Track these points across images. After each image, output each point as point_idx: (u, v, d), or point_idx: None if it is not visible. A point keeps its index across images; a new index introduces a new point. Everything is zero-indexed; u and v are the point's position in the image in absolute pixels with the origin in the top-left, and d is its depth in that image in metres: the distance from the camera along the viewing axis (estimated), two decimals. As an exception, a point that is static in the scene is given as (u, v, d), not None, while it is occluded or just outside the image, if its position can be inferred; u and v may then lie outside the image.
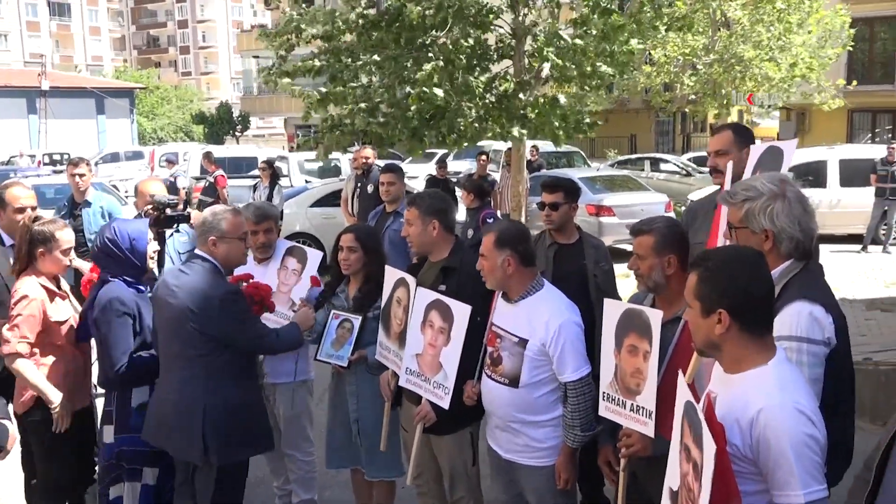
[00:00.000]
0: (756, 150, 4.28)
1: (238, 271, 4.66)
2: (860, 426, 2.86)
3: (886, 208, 14.07)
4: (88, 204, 7.23)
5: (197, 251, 3.74)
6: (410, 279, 3.83)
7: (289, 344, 3.93)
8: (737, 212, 2.76)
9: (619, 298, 3.90)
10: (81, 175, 7.23)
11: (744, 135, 3.94)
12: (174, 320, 3.57)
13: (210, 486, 3.71)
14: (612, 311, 3.08)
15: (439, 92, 9.16)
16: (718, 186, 3.88)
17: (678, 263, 3.05)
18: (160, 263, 4.83)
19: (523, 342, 3.39)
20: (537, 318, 3.38)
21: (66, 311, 4.10)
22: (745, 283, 2.20)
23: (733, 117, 25.25)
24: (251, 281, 4.15)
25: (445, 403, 3.59)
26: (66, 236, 4.11)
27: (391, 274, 3.98)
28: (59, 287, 4.16)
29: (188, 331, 3.53)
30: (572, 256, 4.46)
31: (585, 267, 4.42)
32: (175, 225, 5.04)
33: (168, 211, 4.81)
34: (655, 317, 2.89)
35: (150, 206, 4.75)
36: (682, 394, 2.12)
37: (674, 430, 2.18)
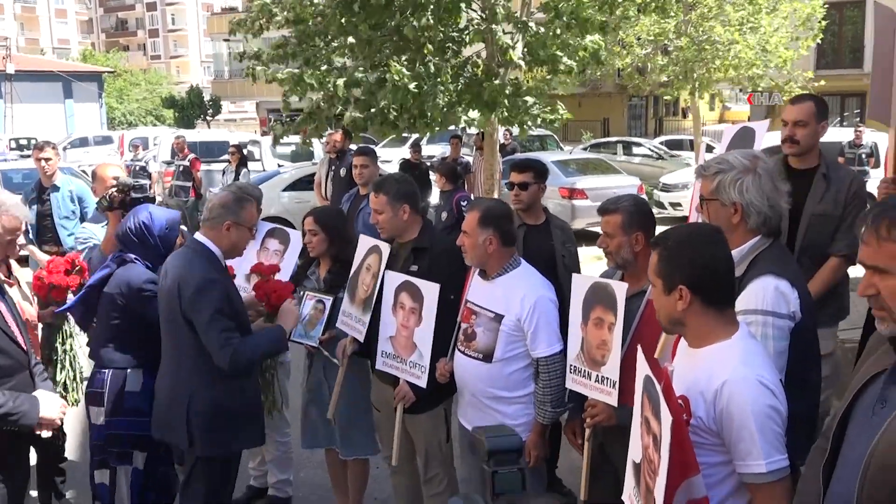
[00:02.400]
0: (730, 130, 4.38)
1: None
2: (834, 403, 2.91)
3: (854, 190, 14.26)
4: (56, 188, 7.15)
5: (198, 236, 3.61)
6: (384, 246, 3.86)
7: (269, 352, 3.76)
8: (708, 184, 2.82)
9: None
10: (48, 159, 7.14)
11: (823, 109, 4.00)
12: (164, 302, 3.55)
13: (201, 480, 3.64)
14: (579, 285, 3.16)
15: (411, 86, 9.13)
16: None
17: (645, 240, 3.13)
18: None
19: (499, 317, 3.45)
20: (514, 294, 3.44)
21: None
22: (705, 259, 2.25)
23: (706, 101, 25.42)
24: (270, 278, 4.04)
25: (423, 382, 3.64)
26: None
27: (365, 242, 4.00)
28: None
29: (177, 314, 3.48)
30: (540, 237, 4.51)
31: (553, 247, 4.48)
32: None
33: (133, 193, 4.77)
34: (620, 289, 2.97)
35: (114, 189, 4.70)
36: (641, 368, 2.18)
37: (635, 404, 2.23)
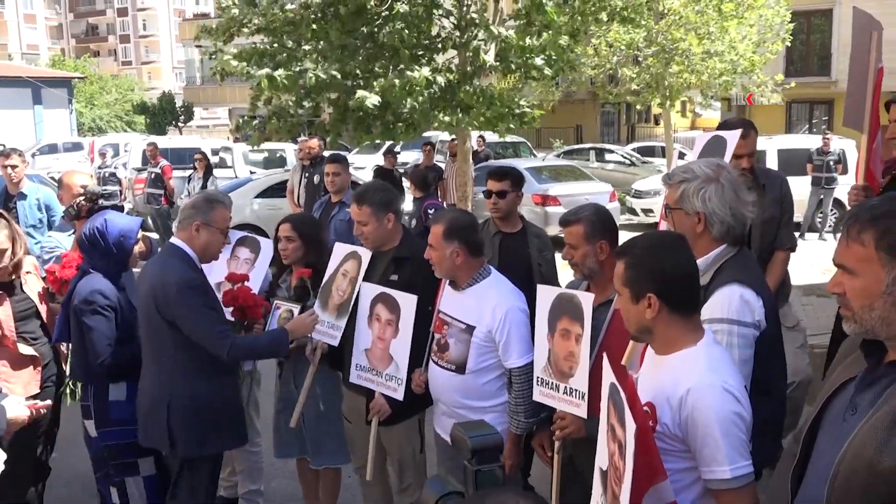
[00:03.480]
0: (701, 138, 4.44)
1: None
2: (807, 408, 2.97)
3: (822, 196, 14.46)
4: (24, 196, 7.04)
5: (173, 239, 3.66)
6: (365, 253, 3.84)
7: (267, 351, 3.79)
8: (673, 192, 2.84)
9: (560, 286, 3.98)
10: (14, 166, 7.03)
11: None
12: (143, 306, 3.56)
13: (186, 484, 3.64)
14: (545, 297, 3.15)
15: (375, 99, 9.15)
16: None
17: (609, 248, 3.14)
18: None
19: (470, 329, 3.43)
20: (485, 304, 3.43)
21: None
22: (670, 266, 2.27)
23: (677, 109, 25.68)
24: (238, 286, 4.01)
25: (399, 395, 3.63)
26: None
27: (341, 248, 3.98)
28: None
29: (154, 317, 3.48)
30: (517, 245, 4.52)
31: (530, 255, 4.49)
32: None
33: (101, 201, 4.72)
34: (587, 300, 2.97)
35: (82, 198, 4.65)
36: (607, 376, 2.19)
37: (601, 411, 2.24)
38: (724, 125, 4.37)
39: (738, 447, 2.14)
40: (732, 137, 3.80)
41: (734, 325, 2.61)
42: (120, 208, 4.91)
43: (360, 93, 9.17)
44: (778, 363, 2.77)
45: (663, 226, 3.23)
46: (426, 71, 9.28)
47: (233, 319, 3.95)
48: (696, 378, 2.18)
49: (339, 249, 3.98)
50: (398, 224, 3.90)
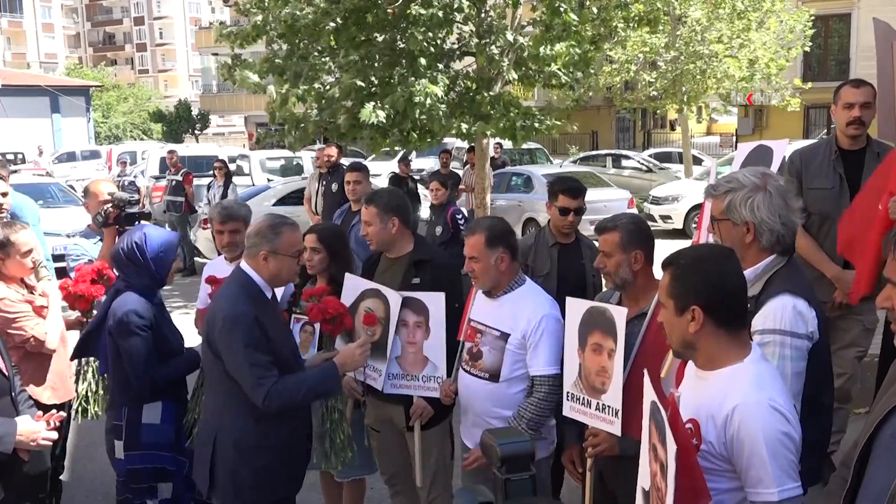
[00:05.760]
0: (744, 147, 4.37)
1: (210, 269, 4.54)
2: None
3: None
4: None
5: (242, 264, 3.33)
6: (393, 296, 3.66)
7: (314, 393, 3.29)
8: (719, 204, 2.78)
9: None
10: None
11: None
12: (205, 333, 3.30)
13: None
14: (574, 310, 3.09)
15: (381, 115, 9.11)
16: (818, 140, 4.12)
17: (644, 259, 3.08)
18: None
19: (505, 336, 3.40)
20: (520, 311, 3.39)
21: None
22: (717, 279, 2.20)
23: (693, 113, 25.55)
24: (324, 297, 3.63)
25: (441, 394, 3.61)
26: (23, 238, 4.04)
27: (352, 284, 3.85)
28: (28, 290, 4.14)
29: (209, 348, 3.22)
30: (573, 256, 4.49)
31: (584, 266, 4.45)
32: (135, 223, 4.92)
33: (128, 209, 4.70)
34: (620, 314, 2.89)
35: (110, 206, 4.62)
36: (648, 394, 2.12)
37: (643, 431, 2.17)
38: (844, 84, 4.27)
39: (787, 468, 2.07)
40: (779, 147, 3.73)
41: (787, 336, 2.54)
42: (147, 216, 4.89)
43: (367, 107, 9.13)
44: (826, 376, 2.69)
45: (705, 239, 3.15)
46: (441, 86, 9.25)
47: (322, 334, 3.72)
48: (742, 395, 2.10)
49: (351, 284, 3.85)
50: (404, 230, 3.87)
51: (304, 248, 3.40)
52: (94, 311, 4.11)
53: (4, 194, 5.15)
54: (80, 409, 4.06)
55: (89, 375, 4.12)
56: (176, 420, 3.74)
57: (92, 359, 4.12)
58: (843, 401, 4.28)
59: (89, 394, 4.11)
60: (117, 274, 3.81)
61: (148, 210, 5.17)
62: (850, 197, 4.12)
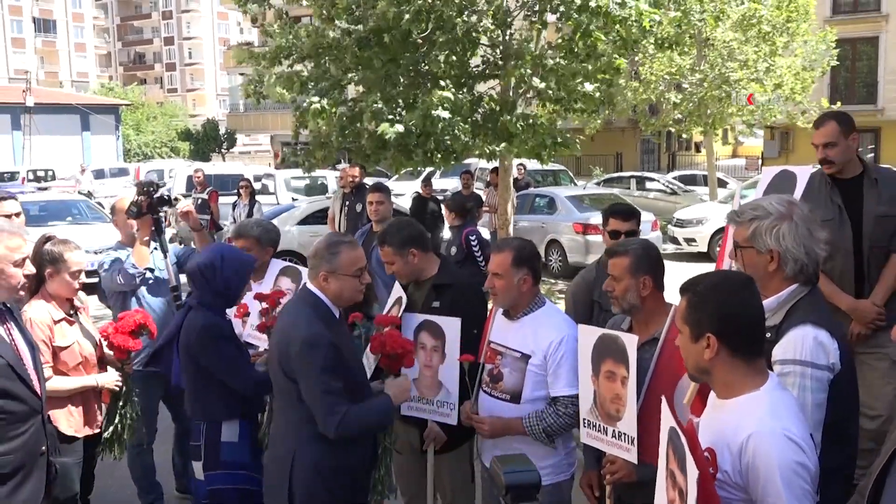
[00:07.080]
0: (769, 172, 4.33)
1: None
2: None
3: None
4: None
5: (308, 284, 3.33)
6: (450, 324, 3.65)
7: (377, 425, 3.33)
8: (743, 231, 2.77)
9: None
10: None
11: (847, 123, 4.09)
12: (274, 353, 3.29)
13: None
14: (586, 337, 3.08)
15: (399, 128, 9.16)
16: (817, 167, 4.11)
17: (653, 284, 3.07)
18: (163, 250, 4.77)
19: (525, 357, 3.39)
20: (541, 333, 3.39)
21: (72, 336, 4.03)
22: (734, 308, 2.19)
23: (719, 135, 25.43)
24: (386, 330, 3.52)
25: (453, 420, 3.60)
26: (75, 258, 4.03)
27: (408, 323, 3.77)
28: (72, 309, 4.11)
29: (281, 370, 3.21)
30: None
31: None
32: (168, 204, 4.90)
33: (154, 194, 4.68)
34: (631, 342, 2.89)
35: (140, 197, 4.60)
36: (666, 420, 2.11)
37: (660, 457, 2.16)
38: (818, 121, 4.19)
39: (802, 498, 2.05)
40: (803, 173, 3.70)
41: (807, 367, 2.52)
42: (168, 201, 4.83)
43: (383, 125, 9.19)
44: (851, 408, 2.66)
45: (727, 265, 3.14)
46: (455, 97, 9.28)
47: (379, 368, 3.62)
48: (757, 424, 2.09)
49: (409, 321, 3.79)
50: (425, 255, 3.88)
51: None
52: (132, 359, 4.15)
53: (18, 214, 5.10)
54: (106, 445, 4.12)
55: (116, 418, 4.13)
56: (251, 439, 3.72)
57: (122, 402, 4.15)
58: (882, 443, 4.15)
59: (114, 437, 4.14)
60: (182, 300, 3.77)
61: (176, 197, 5.07)
62: (852, 227, 4.03)
